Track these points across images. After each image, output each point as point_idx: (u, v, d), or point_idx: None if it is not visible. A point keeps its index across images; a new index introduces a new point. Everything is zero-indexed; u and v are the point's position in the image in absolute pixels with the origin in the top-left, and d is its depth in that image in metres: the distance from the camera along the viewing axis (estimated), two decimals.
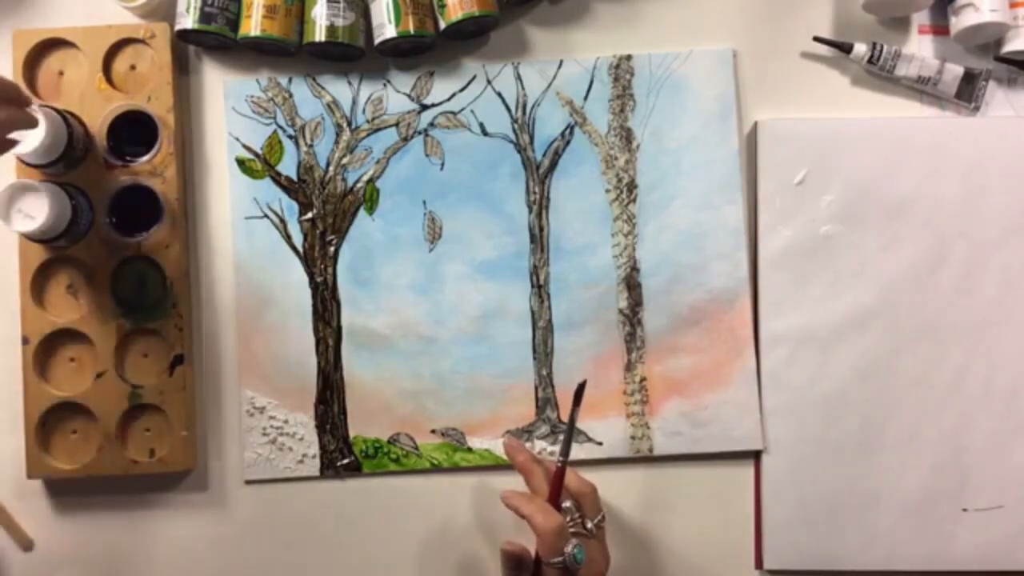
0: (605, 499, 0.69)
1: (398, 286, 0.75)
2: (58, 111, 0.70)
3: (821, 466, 0.73)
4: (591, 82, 0.76)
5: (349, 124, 0.76)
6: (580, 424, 0.73)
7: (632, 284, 0.75)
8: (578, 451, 0.73)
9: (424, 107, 0.76)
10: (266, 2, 0.72)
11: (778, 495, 0.73)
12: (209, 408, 0.75)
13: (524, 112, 0.76)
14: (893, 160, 0.74)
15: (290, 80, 0.76)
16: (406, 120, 0.76)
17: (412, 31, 0.72)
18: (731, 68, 0.76)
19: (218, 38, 0.74)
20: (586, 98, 0.76)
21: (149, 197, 0.73)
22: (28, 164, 0.71)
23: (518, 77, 0.76)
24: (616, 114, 0.76)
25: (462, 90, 0.76)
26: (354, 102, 0.76)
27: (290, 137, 0.76)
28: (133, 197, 0.73)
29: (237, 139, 0.76)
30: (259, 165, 0.76)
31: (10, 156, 0.71)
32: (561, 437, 0.74)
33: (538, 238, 0.76)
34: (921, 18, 0.77)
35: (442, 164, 0.76)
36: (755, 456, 0.74)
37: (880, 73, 0.75)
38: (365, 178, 0.76)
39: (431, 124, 0.76)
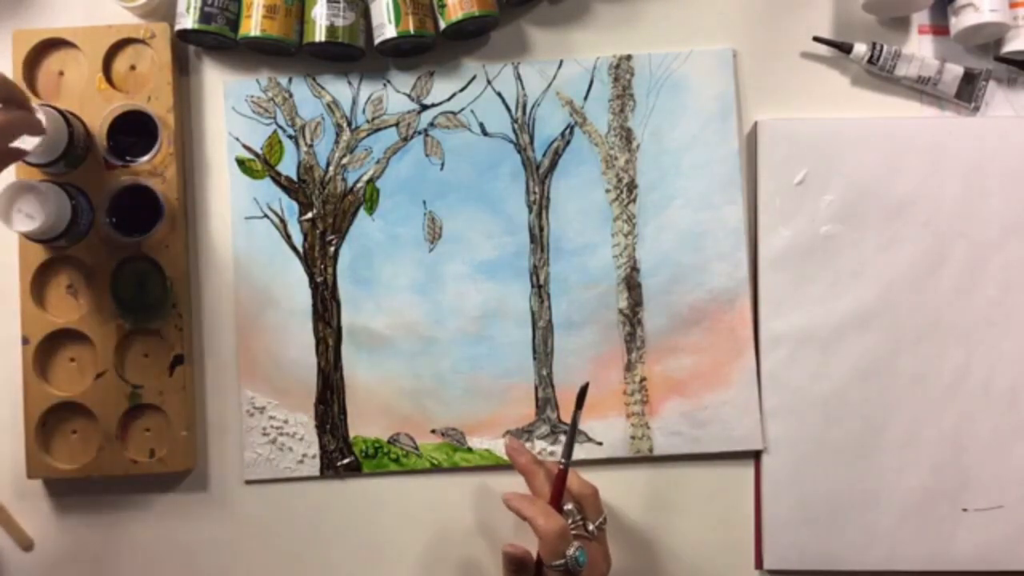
0: (605, 499, 0.69)
1: (398, 286, 0.75)
2: (58, 111, 0.70)
3: (821, 466, 0.73)
4: (591, 82, 0.76)
5: (349, 124, 0.76)
6: (580, 424, 0.73)
7: (632, 284, 0.75)
8: (578, 451, 0.73)
9: (424, 107, 0.76)
10: (266, 2, 0.72)
11: (778, 495, 0.73)
12: (209, 408, 0.75)
13: (524, 112, 0.76)
14: (893, 160, 0.74)
15: (290, 80, 0.76)
16: (406, 120, 0.76)
17: (412, 31, 0.72)
18: (731, 68, 0.76)
19: (218, 38, 0.74)
20: (586, 98, 0.76)
21: (149, 197, 0.73)
22: (28, 164, 0.71)
23: (518, 77, 0.76)
24: (616, 114, 0.76)
25: (462, 90, 0.76)
26: (354, 102, 0.76)
27: (290, 137, 0.76)
28: (133, 197, 0.73)
29: (237, 139, 0.76)
30: (259, 165, 0.76)
31: None
32: (561, 437, 0.74)
33: (538, 238, 0.76)
34: (921, 18, 0.77)
35: (442, 164, 0.76)
36: (755, 456, 0.74)
37: (880, 73, 0.75)
38: (365, 178, 0.76)
39: (431, 124, 0.76)
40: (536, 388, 0.75)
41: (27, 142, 0.66)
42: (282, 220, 0.76)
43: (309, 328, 0.75)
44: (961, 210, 0.74)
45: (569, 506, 0.66)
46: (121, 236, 0.72)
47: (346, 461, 0.75)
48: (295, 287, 0.75)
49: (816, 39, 0.76)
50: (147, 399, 0.73)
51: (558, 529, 0.62)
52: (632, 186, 0.75)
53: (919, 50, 0.76)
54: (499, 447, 0.74)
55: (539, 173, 0.76)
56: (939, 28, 0.76)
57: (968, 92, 0.75)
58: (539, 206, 0.76)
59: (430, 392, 0.75)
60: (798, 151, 0.74)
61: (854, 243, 0.74)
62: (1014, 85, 0.76)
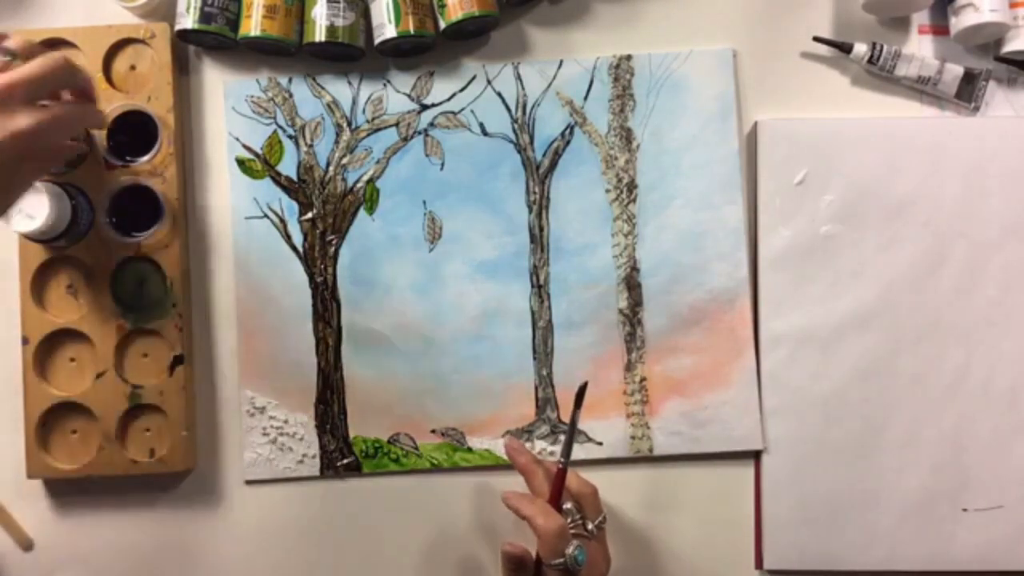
0: (605, 499, 0.69)
1: (398, 286, 0.75)
2: None
3: (821, 466, 0.73)
4: (591, 82, 0.76)
5: (349, 124, 0.76)
6: (580, 424, 0.73)
7: (632, 284, 0.75)
8: (578, 451, 0.73)
9: (424, 107, 0.76)
10: (266, 2, 0.72)
11: (778, 495, 0.73)
12: (209, 408, 0.75)
13: (524, 112, 0.76)
14: (893, 160, 0.74)
15: (290, 80, 0.76)
16: (406, 120, 0.76)
17: (412, 31, 0.72)
18: (731, 68, 0.76)
19: (218, 38, 0.74)
20: (586, 98, 0.76)
21: (149, 197, 0.73)
22: None
23: (518, 77, 0.76)
24: (616, 114, 0.76)
25: (462, 90, 0.76)
26: (354, 102, 0.76)
27: (290, 137, 0.76)
28: (133, 197, 0.73)
29: (237, 139, 0.76)
30: (259, 165, 0.76)
31: None
32: (561, 437, 0.74)
33: (538, 238, 0.76)
34: (921, 18, 0.77)
35: (442, 164, 0.76)
36: (755, 456, 0.74)
37: (880, 73, 0.75)
38: (365, 178, 0.76)
39: (431, 124, 0.76)
40: (536, 388, 0.75)
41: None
42: (282, 220, 0.76)
43: (309, 328, 0.75)
44: (961, 210, 0.74)
45: (568, 505, 0.66)
46: (121, 236, 0.72)
47: (346, 461, 0.75)
48: (295, 287, 0.75)
49: (816, 39, 0.76)
50: (147, 399, 0.73)
51: (557, 528, 0.62)
52: (632, 186, 0.75)
53: (919, 50, 0.76)
54: (499, 447, 0.74)
55: (539, 173, 0.76)
56: (939, 28, 0.76)
57: (968, 92, 0.75)
58: (539, 206, 0.76)
59: (430, 392, 0.75)
60: (798, 151, 0.74)
61: (854, 243, 0.74)
62: (1014, 85, 0.76)
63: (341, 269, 0.76)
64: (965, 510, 0.73)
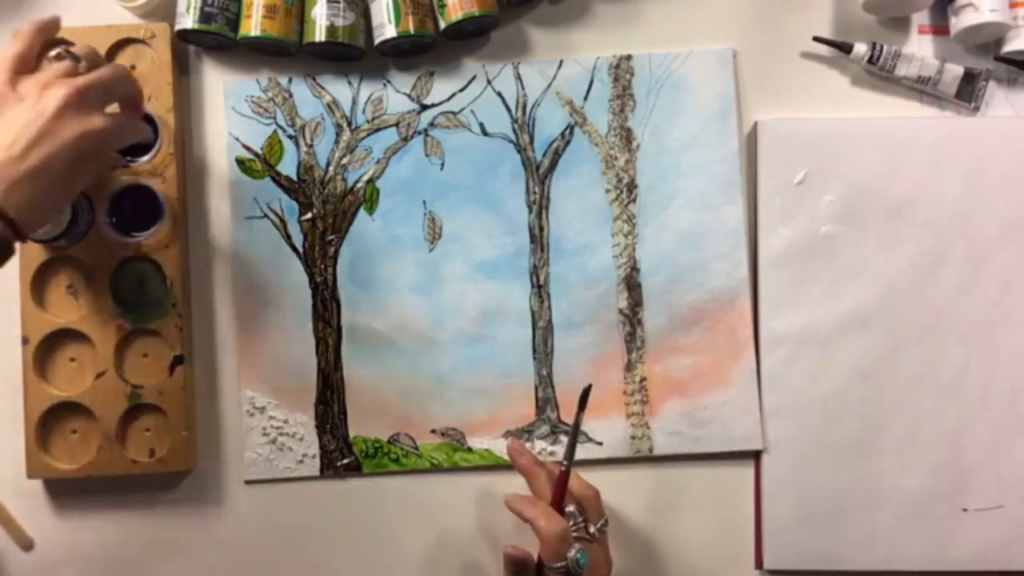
0: (604, 499, 0.69)
1: (398, 286, 0.75)
2: None
3: (821, 466, 0.73)
4: (591, 82, 0.76)
5: (349, 124, 0.76)
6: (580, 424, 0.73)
7: (632, 284, 0.75)
8: (578, 451, 0.73)
9: (424, 107, 0.76)
10: (266, 2, 0.72)
11: (778, 495, 0.73)
12: (209, 408, 0.75)
13: (524, 112, 0.76)
14: (893, 160, 0.74)
15: (290, 80, 0.76)
16: (406, 120, 0.76)
17: (412, 31, 0.72)
18: (731, 68, 0.76)
19: (218, 38, 0.74)
20: (586, 98, 0.76)
21: (149, 197, 0.72)
22: None
23: (518, 77, 0.76)
24: (616, 114, 0.76)
25: (462, 90, 0.76)
26: (354, 102, 0.76)
27: (290, 137, 0.76)
28: (133, 197, 0.73)
29: (237, 139, 0.76)
30: (259, 165, 0.76)
31: None
32: (561, 437, 0.74)
33: (538, 238, 0.76)
34: (921, 18, 0.77)
35: (442, 164, 0.76)
36: (755, 456, 0.74)
37: (880, 73, 0.75)
38: (365, 178, 0.76)
39: (431, 124, 0.76)
40: (536, 388, 0.75)
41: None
42: (282, 220, 0.76)
43: (309, 328, 0.75)
44: (961, 210, 0.74)
45: (570, 508, 0.66)
46: (121, 236, 0.72)
47: (346, 461, 0.75)
48: (295, 287, 0.75)
49: (816, 39, 0.76)
50: (147, 399, 0.73)
51: (559, 531, 0.62)
52: (632, 186, 0.75)
53: (919, 50, 0.76)
54: (499, 447, 0.74)
55: (539, 173, 0.76)
56: (939, 28, 0.76)
57: (968, 92, 0.75)
58: (539, 206, 0.76)
59: (430, 392, 0.75)
60: (798, 151, 0.74)
61: (854, 243, 0.74)
62: (1014, 85, 0.76)
63: (341, 269, 0.76)
64: (965, 510, 0.73)
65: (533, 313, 0.75)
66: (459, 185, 0.76)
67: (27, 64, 0.61)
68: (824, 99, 0.76)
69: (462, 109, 0.76)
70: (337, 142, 0.76)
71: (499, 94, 0.76)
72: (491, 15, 0.73)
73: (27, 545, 0.75)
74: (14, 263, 0.73)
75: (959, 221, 0.74)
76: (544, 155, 0.76)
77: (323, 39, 0.73)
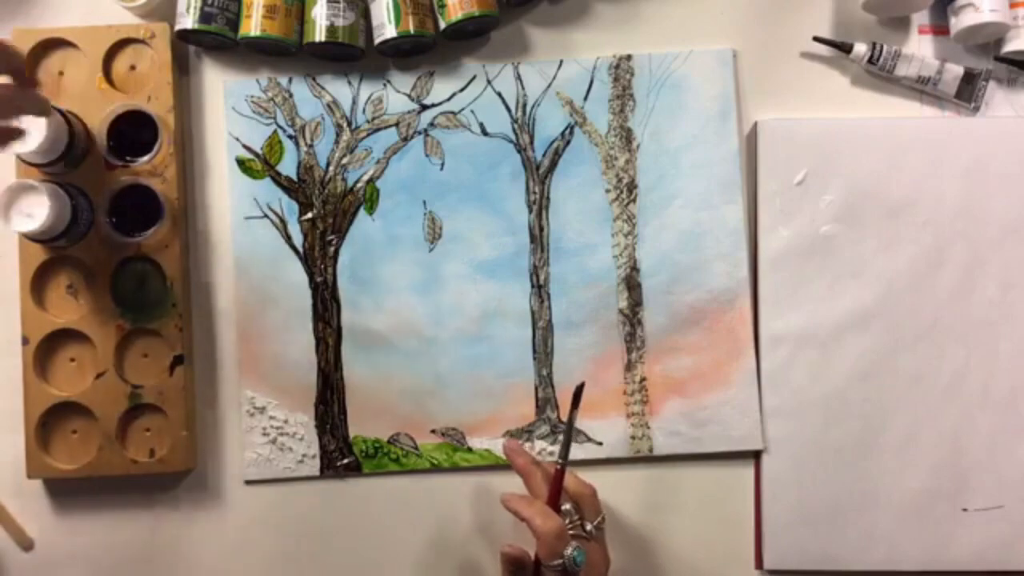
0: (604, 499, 0.69)
1: (398, 286, 0.75)
2: (58, 111, 0.70)
3: (821, 466, 0.73)
4: (591, 82, 0.76)
5: (349, 124, 0.76)
6: (580, 424, 0.73)
7: (632, 284, 0.75)
8: (578, 451, 0.73)
9: (424, 107, 0.76)
10: (266, 2, 0.72)
11: (778, 495, 0.73)
12: (209, 408, 0.75)
13: (524, 112, 0.76)
14: (893, 160, 0.74)
15: (290, 80, 0.76)
16: (406, 120, 0.76)
17: (412, 31, 0.72)
18: (731, 68, 0.76)
19: (218, 38, 0.74)
20: (586, 98, 0.76)
21: (149, 197, 0.73)
22: (28, 164, 0.71)
23: (518, 77, 0.76)
24: (616, 114, 0.76)
25: (462, 90, 0.76)
26: (354, 102, 0.76)
27: (290, 137, 0.76)
28: (133, 197, 0.73)
29: (237, 139, 0.76)
30: (259, 165, 0.76)
31: (10, 156, 0.71)
32: (561, 438, 0.74)
33: (538, 238, 0.76)
34: (921, 18, 0.77)
35: (442, 164, 0.76)
36: (755, 456, 0.74)
37: (880, 73, 0.75)
38: (365, 178, 0.76)
39: (431, 124, 0.76)
40: (536, 388, 0.75)
41: (34, 124, 0.66)
42: (282, 220, 0.76)
43: (309, 328, 0.75)
44: (961, 210, 0.74)
45: (567, 506, 0.66)
46: (121, 236, 0.72)
47: (346, 461, 0.75)
48: (295, 287, 0.75)
49: (816, 39, 0.76)
50: (147, 399, 0.73)
51: (555, 529, 0.62)
52: (632, 186, 0.75)
53: (919, 50, 0.76)
54: (499, 447, 0.74)
55: (539, 173, 0.76)
56: (939, 28, 0.76)
57: (968, 92, 0.75)
58: (539, 206, 0.76)
59: (430, 392, 0.75)
60: (798, 151, 0.74)
61: (854, 243, 0.74)
62: (1014, 85, 0.76)
63: (341, 269, 0.76)
64: (965, 510, 0.73)
65: (533, 313, 0.75)
66: (459, 185, 0.76)
67: None
68: (824, 99, 0.76)
69: (462, 109, 0.76)
70: (337, 142, 0.76)
71: (499, 94, 0.76)
72: (491, 15, 0.73)
73: (27, 545, 0.75)
74: (14, 263, 0.73)
75: (959, 221, 0.74)
76: (544, 155, 0.76)
77: (323, 39, 0.73)
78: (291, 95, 0.76)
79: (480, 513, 0.75)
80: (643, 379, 0.74)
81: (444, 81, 0.76)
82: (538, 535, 0.62)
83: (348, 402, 0.75)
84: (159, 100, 0.74)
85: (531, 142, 0.76)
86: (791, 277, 0.74)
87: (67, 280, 0.74)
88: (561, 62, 0.76)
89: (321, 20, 0.72)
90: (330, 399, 0.75)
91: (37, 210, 0.68)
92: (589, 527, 0.66)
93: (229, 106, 0.76)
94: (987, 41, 0.76)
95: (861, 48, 0.75)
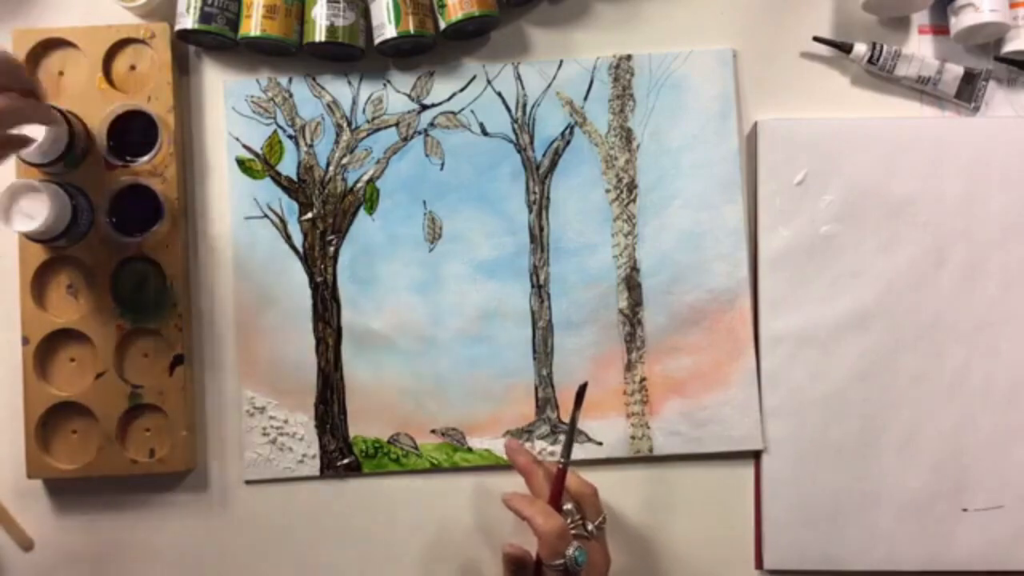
0: (604, 499, 0.69)
1: (398, 286, 0.75)
2: (59, 111, 0.70)
3: (821, 466, 0.73)
4: (591, 82, 0.76)
5: (349, 124, 0.76)
6: (580, 424, 0.73)
7: (632, 284, 0.75)
8: (578, 451, 0.73)
9: (424, 107, 0.76)
10: (266, 2, 0.72)
11: (778, 495, 0.73)
12: (209, 408, 0.75)
13: (524, 112, 0.76)
14: (893, 160, 0.74)
15: (290, 80, 0.76)
16: (406, 120, 0.76)
17: (412, 31, 0.72)
18: (731, 68, 0.76)
19: (218, 38, 0.74)
20: (586, 98, 0.76)
21: (149, 197, 0.73)
22: (28, 164, 0.71)
23: (518, 77, 0.76)
24: (616, 114, 0.76)
25: (462, 90, 0.76)
26: (354, 102, 0.76)
27: (290, 137, 0.76)
28: (133, 197, 0.73)
29: (237, 139, 0.76)
30: (259, 165, 0.76)
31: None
32: (561, 437, 0.74)
33: (538, 238, 0.76)
34: (921, 18, 0.77)
35: (442, 164, 0.76)
36: (755, 456, 0.74)
37: (880, 73, 0.75)
38: (365, 178, 0.76)
39: (431, 124, 0.76)
40: (536, 388, 0.75)
41: (36, 131, 0.66)
42: (282, 220, 0.76)
43: (309, 328, 0.75)
44: (961, 210, 0.74)
45: (568, 506, 0.66)
46: (121, 236, 0.72)
47: (346, 461, 0.75)
48: (295, 287, 0.75)
49: (816, 39, 0.76)
50: (147, 399, 0.73)
51: (557, 529, 0.62)
52: (632, 186, 0.75)
53: (919, 50, 0.76)
54: (499, 447, 0.74)
55: (539, 173, 0.76)
56: (939, 28, 0.76)
57: (968, 92, 0.75)
58: (539, 206, 0.76)
59: (430, 392, 0.75)
60: (798, 151, 0.74)
61: (854, 243, 0.74)
62: (1014, 85, 0.76)
63: (341, 269, 0.76)
64: (965, 510, 0.73)
65: (533, 313, 0.75)
66: (459, 185, 0.76)
67: None
68: (824, 99, 0.76)
69: (462, 109, 0.76)
70: (337, 142, 0.76)
71: (499, 94, 0.76)
72: (491, 15, 0.73)
73: (27, 545, 0.75)
74: (14, 263, 0.73)
75: (959, 221, 0.74)
76: (544, 155, 0.76)
77: (323, 39, 0.73)
78: (291, 95, 0.76)
79: (480, 513, 0.75)
80: (643, 379, 0.74)
81: (444, 81, 0.76)
82: (540, 534, 0.62)
83: (348, 402, 0.75)
84: (159, 100, 0.74)
85: (531, 142, 0.76)
86: (791, 277, 0.74)
87: (67, 280, 0.74)
88: (561, 62, 0.76)
89: (321, 20, 0.73)
90: (330, 399, 0.75)
91: (37, 210, 0.68)
92: (590, 527, 0.66)
93: (229, 106, 0.76)
94: (987, 41, 0.76)
95: (861, 48, 0.75)
